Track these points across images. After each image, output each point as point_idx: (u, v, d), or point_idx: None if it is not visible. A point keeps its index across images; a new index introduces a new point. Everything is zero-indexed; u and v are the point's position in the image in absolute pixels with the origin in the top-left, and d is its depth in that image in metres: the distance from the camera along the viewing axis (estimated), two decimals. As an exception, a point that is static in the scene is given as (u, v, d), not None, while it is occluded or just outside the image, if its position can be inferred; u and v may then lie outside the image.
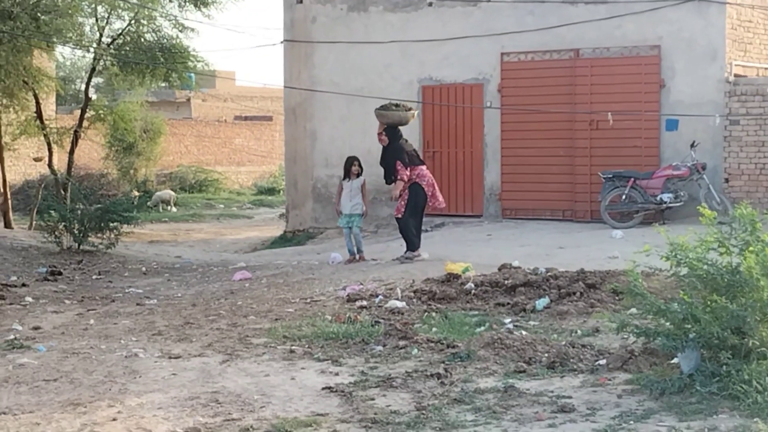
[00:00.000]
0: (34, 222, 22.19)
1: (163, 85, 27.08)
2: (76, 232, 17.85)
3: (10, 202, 22.89)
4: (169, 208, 34.15)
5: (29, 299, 13.01)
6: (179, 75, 23.64)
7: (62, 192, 21.60)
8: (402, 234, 15.02)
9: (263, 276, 14.53)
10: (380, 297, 11.57)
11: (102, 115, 24.86)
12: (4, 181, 22.60)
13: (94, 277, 15.58)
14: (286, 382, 8.16)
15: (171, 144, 41.87)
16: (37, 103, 23.13)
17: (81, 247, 17.94)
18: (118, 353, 9.47)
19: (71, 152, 23.51)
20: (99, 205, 18.52)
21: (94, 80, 27.06)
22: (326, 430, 6.75)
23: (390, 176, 14.78)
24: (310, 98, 21.28)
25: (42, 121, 23.26)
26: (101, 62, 23.40)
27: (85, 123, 24.02)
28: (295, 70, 22.20)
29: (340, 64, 21.04)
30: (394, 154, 14.72)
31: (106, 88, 30.91)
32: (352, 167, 15.26)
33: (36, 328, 10.92)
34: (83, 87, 27.31)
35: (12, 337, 10.30)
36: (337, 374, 8.39)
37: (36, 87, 22.54)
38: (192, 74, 25.90)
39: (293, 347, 9.42)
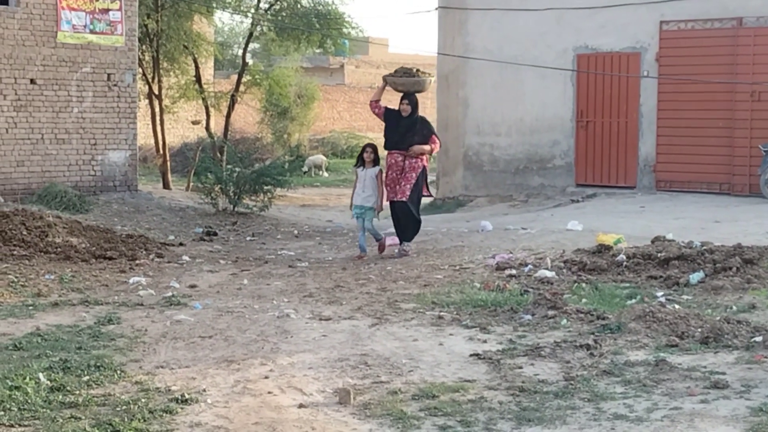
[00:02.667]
0: (191, 183, 22.84)
1: (318, 51, 27.41)
2: (232, 194, 18.28)
3: (168, 163, 23.59)
4: (320, 173, 34.61)
5: (186, 258, 13.40)
6: (334, 41, 23.93)
7: (218, 155, 22.16)
8: (401, 221, 13.31)
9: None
10: (529, 266, 11.48)
11: (258, 80, 25.35)
12: (164, 143, 23.30)
13: (247, 238, 15.93)
14: (434, 348, 8.19)
15: (324, 110, 42.37)
16: (197, 68, 23.76)
17: (236, 208, 18.36)
18: (270, 313, 9.68)
19: (228, 116, 24.07)
20: (254, 169, 18.90)
21: (251, 46, 27.58)
22: (473, 396, 6.74)
23: (410, 144, 13.12)
24: (463, 65, 21.18)
25: (200, 85, 23.89)
26: (258, 28, 23.85)
27: (242, 87, 24.54)
28: (448, 37, 22.14)
29: (494, 31, 20.85)
30: (428, 126, 13.51)
31: (262, 53, 31.43)
32: (364, 154, 13.64)
33: (192, 287, 11.25)
34: (240, 52, 27.88)
35: (170, 294, 10.63)
36: (485, 342, 8.37)
37: (195, 52, 23.15)
38: (346, 41, 26.15)
39: (442, 313, 9.45)
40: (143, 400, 6.58)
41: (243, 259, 13.56)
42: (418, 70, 13.55)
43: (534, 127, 20.70)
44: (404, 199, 13.09)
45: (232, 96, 24.01)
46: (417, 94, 13.46)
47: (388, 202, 13.54)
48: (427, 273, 11.78)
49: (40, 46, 16.98)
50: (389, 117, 13.45)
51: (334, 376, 7.36)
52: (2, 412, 6.22)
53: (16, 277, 11.25)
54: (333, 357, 7.92)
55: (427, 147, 13.27)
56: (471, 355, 7.87)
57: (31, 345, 8.14)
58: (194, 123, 32.37)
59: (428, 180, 13.83)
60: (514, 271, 11.31)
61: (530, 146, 20.85)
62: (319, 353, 8.05)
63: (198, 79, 23.96)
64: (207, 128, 24.28)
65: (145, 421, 6.13)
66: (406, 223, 13.27)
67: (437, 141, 13.54)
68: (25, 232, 13.42)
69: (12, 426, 6.00)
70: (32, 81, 16.90)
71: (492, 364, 7.61)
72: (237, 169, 18.74)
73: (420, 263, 12.52)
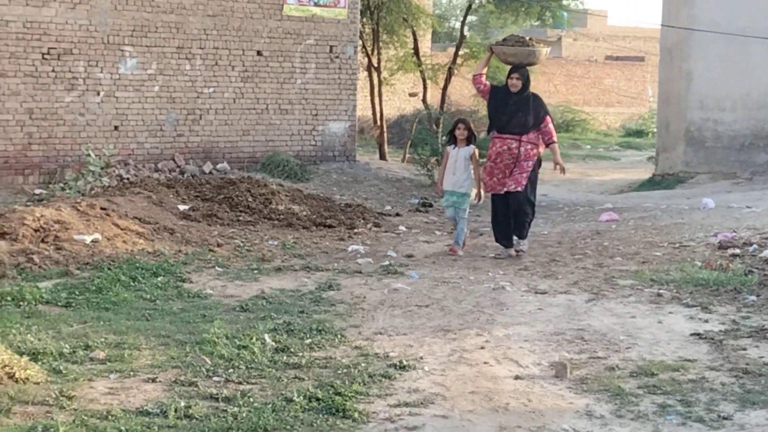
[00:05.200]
0: (407, 155, 23.11)
1: (536, 23, 27.13)
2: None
3: (385, 135, 23.95)
4: (536, 147, 34.29)
5: (402, 228, 13.61)
6: (553, 13, 23.64)
7: (434, 127, 22.30)
8: (516, 215, 11.44)
9: (630, 218, 14.32)
10: (754, 246, 11.06)
11: (475, 53, 25.30)
12: (381, 115, 23.65)
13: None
14: (653, 325, 8.02)
15: (540, 83, 41.87)
16: (415, 40, 23.96)
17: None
18: (486, 285, 9.71)
19: (444, 88, 24.18)
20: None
21: (469, 18, 27.58)
22: (694, 376, 6.58)
23: (524, 129, 11.33)
24: (687, 38, 20.52)
25: (418, 58, 24.09)
26: (477, 0, 23.80)
27: (459, 60, 24.57)
28: (673, 9, 21.51)
29: (722, 3, 20.09)
30: (542, 105, 11.59)
31: (480, 26, 31.37)
32: (456, 131, 11.77)
33: (409, 256, 11.41)
34: (458, 25, 27.94)
35: (387, 263, 10.82)
36: (706, 321, 8.14)
37: (414, 24, 23.33)
38: (565, 12, 25.75)
39: (660, 291, 9.25)
40: (363, 365, 6.75)
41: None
42: (530, 39, 11.75)
43: (762, 103, 19.89)
44: (520, 188, 11.30)
45: (449, 68, 24.09)
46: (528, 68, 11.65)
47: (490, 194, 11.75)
48: (645, 250, 11.54)
49: (267, 19, 17.53)
50: (495, 95, 11.59)
51: (550, 349, 7.33)
52: (231, 370, 6.51)
53: (242, 242, 11.72)
54: (549, 330, 7.89)
55: (559, 156, 11.66)
56: (691, 335, 7.68)
57: (257, 307, 8.48)
58: (411, 95, 32.70)
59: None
60: (737, 251, 10.93)
61: (757, 122, 20.06)
62: (534, 326, 8.03)
63: (416, 51, 24.17)
64: (424, 100, 24.47)
65: (365, 384, 6.29)
66: (521, 217, 11.47)
67: (551, 124, 11.54)
68: (250, 199, 13.96)
69: (240, 383, 6.27)
70: (259, 53, 17.48)
71: (714, 344, 7.40)
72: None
73: (638, 239, 12.27)
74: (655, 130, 30.72)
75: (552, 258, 11.28)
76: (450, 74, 24.18)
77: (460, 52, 24.65)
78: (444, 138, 12.54)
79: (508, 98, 11.38)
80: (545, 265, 10.82)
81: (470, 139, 11.66)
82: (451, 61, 24.81)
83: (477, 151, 11.70)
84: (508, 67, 11.61)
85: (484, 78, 11.71)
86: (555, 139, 11.56)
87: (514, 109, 11.31)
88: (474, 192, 11.75)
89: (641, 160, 30.32)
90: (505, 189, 11.34)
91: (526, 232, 11.63)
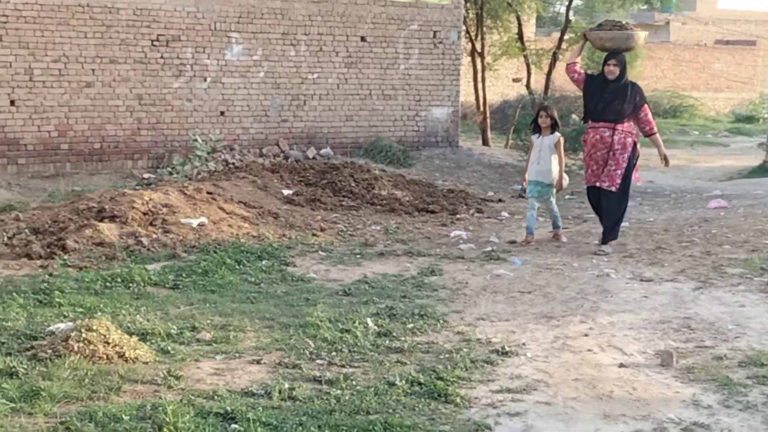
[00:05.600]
0: (510, 141, 22.96)
1: (643, 7, 26.69)
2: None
3: (488, 120, 23.82)
4: (641, 133, 33.75)
5: (505, 214, 13.54)
6: (661, -4, 23.19)
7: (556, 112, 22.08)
8: (606, 213, 10.95)
9: (740, 206, 14.00)
10: None
11: (580, 38, 24.97)
12: (484, 100, 23.52)
13: (566, 197, 15.84)
14: (763, 315, 7.83)
15: (647, 68, 41.25)
16: (519, 25, 23.75)
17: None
18: (589, 272, 9.60)
19: (548, 73, 23.93)
20: (574, 127, 18.74)
21: (575, 2, 27.23)
22: (806, 368, 6.42)
23: (619, 117, 10.74)
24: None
25: (522, 43, 23.88)
26: (583, -16, 23.49)
27: (564, 45, 24.27)
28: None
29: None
30: (640, 94, 10.95)
31: (585, 10, 30.92)
32: (538, 119, 11.37)
33: (511, 242, 11.35)
34: (563, 9, 27.60)
35: (490, 249, 10.78)
36: (819, 312, 7.94)
37: (519, 9, 23.13)
38: (673, -4, 25.27)
39: (771, 280, 9.03)
40: (465, 350, 6.74)
41: (562, 217, 13.50)
42: (627, 23, 11.09)
43: None
44: (613, 188, 10.78)
45: (554, 53, 23.82)
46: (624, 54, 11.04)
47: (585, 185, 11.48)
48: (755, 238, 11.26)
49: (371, 5, 17.57)
50: (591, 83, 11.06)
51: (656, 338, 7.22)
52: (334, 353, 6.57)
53: (345, 227, 11.80)
54: (654, 319, 7.77)
55: (663, 148, 11.15)
56: (803, 325, 7.49)
57: (359, 291, 8.52)
58: (515, 80, 32.42)
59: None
60: None
61: None
62: (640, 314, 7.92)
63: (520, 36, 23.96)
64: (527, 86, 24.26)
65: (467, 370, 6.28)
66: (611, 216, 10.91)
67: (650, 113, 10.97)
68: (353, 184, 14.04)
69: (343, 366, 6.32)
70: (363, 38, 17.54)
71: (826, 335, 7.20)
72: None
73: (747, 227, 11.99)
74: (766, 115, 29.95)
75: (658, 245, 11.09)
76: (554, 59, 23.90)
77: (565, 37, 24.33)
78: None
79: (604, 86, 10.84)
80: (651, 253, 10.65)
81: (554, 127, 11.28)
82: (555, 46, 24.51)
83: (562, 140, 11.35)
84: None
85: (578, 66, 11.32)
86: (655, 129, 11.03)
87: (610, 98, 10.77)
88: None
89: (751, 146, 29.57)
90: (599, 184, 10.89)
91: (615, 234, 11.01)
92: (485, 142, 23.09)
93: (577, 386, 6.05)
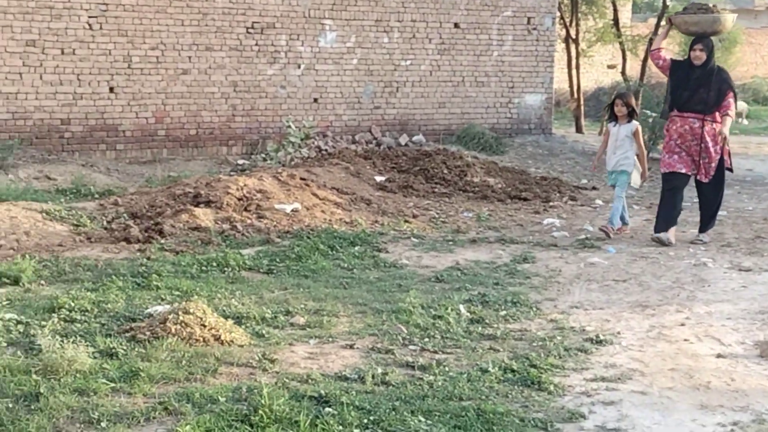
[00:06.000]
0: (604, 128, 22.66)
1: (743, -9, 26.06)
2: (647, 139, 17.90)
3: (582, 108, 23.57)
4: (740, 120, 33.06)
5: (599, 202, 13.39)
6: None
7: (633, 99, 21.79)
8: (710, 201, 10.63)
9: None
10: None
11: (665, 22, 24.54)
12: (578, 87, 23.29)
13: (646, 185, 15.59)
14: None
15: (746, 54, 40.35)
16: (615, 11, 23.46)
17: (650, 154, 17.98)
18: (686, 261, 9.46)
19: (644, 60, 23.55)
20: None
21: (672, -13, 26.76)
22: None
23: (707, 107, 10.31)
24: None
25: (618, 29, 23.57)
26: (680, -32, 23.07)
27: (660, 31, 23.88)
28: None
29: None
30: (727, 79, 10.50)
31: (682, -5, 30.42)
32: (614, 107, 11.01)
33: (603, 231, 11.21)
34: (660, -5, 27.15)
35: (583, 236, 10.68)
36: None
37: (614, -6, 22.83)
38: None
39: None
40: (558, 338, 6.70)
41: (656, 204, 13.30)
42: (713, 6, 10.59)
43: None
44: (705, 180, 10.49)
45: (650, 39, 23.43)
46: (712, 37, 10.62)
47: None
48: None
49: (464, -9, 17.51)
50: (676, 70, 10.64)
51: (755, 328, 7.09)
52: (427, 339, 6.58)
53: (437, 214, 11.79)
54: (753, 309, 7.62)
55: (725, 120, 10.40)
56: None
57: (452, 278, 8.52)
58: (610, 67, 32.05)
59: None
60: None
61: None
62: (738, 304, 7.77)
63: (616, 22, 23.64)
64: (623, 72, 23.94)
65: (560, 357, 6.24)
66: (708, 206, 10.66)
67: (732, 98, 10.41)
68: (445, 171, 14.02)
69: (435, 352, 6.33)
70: (456, 25, 17.47)
71: None
72: (653, 115, 18.34)
73: None
74: None
75: (757, 234, 10.88)
76: (651, 45, 23.55)
77: (662, 23, 23.95)
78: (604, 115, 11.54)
79: (691, 73, 10.42)
80: (750, 242, 10.45)
81: (631, 116, 10.92)
82: (652, 32, 24.11)
83: (640, 128, 11.02)
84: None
85: (663, 53, 10.94)
86: (731, 113, 10.43)
87: (695, 85, 10.35)
88: (636, 172, 11.04)
89: None
90: (690, 173, 10.48)
91: (713, 224, 10.76)
92: (579, 130, 22.86)
93: (673, 376, 5.97)
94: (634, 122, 10.90)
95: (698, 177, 10.52)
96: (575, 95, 23.33)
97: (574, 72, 23.19)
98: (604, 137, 11.20)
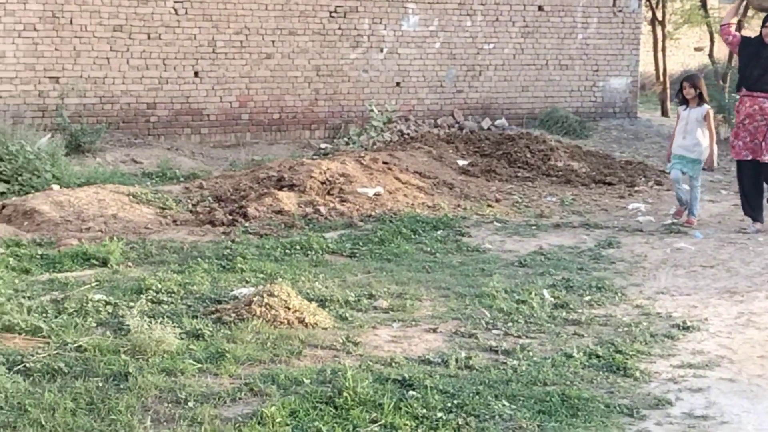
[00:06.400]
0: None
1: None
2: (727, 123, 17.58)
3: (668, 91, 23.20)
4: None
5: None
6: None
7: (721, 82, 21.39)
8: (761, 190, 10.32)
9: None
10: None
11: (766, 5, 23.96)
12: (665, 70, 22.91)
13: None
14: None
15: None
16: (702, -8, 23.01)
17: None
18: (776, 247, 9.28)
19: (733, 42, 23.09)
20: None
21: (762, -32, 26.15)
22: None
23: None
24: None
25: (705, 10, 23.12)
26: (771, -52, 22.52)
27: (749, 12, 23.37)
28: None
29: None
30: None
31: (773, -25, 29.71)
32: (683, 90, 10.46)
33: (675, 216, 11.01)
34: (749, -25, 26.56)
35: (669, 222, 10.52)
36: None
37: (701, -24, 22.40)
38: None
39: None
40: (644, 324, 6.62)
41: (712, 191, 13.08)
42: None
43: None
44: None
45: (739, 21, 22.97)
46: None
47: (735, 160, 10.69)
48: None
49: (548, -26, 17.34)
50: (746, 47, 10.31)
51: None
52: (510, 324, 6.55)
53: (520, 198, 11.72)
54: None
55: None
56: None
57: (535, 263, 8.46)
58: (697, 49, 31.49)
59: None
60: None
61: None
62: (831, 292, 7.60)
63: (703, 3, 23.20)
64: (710, 55, 23.49)
65: (646, 344, 6.17)
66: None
67: None
68: (528, 155, 13.92)
69: (519, 337, 6.30)
70: (540, 8, 17.31)
71: None
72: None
73: None
74: None
75: None
76: (739, 27, 23.02)
77: None
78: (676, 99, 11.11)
79: (762, 50, 10.05)
80: (842, 228, 10.20)
81: (702, 99, 10.42)
82: (741, 13, 23.66)
83: (712, 112, 10.57)
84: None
85: (733, 29, 10.61)
86: None
87: (766, 63, 10.02)
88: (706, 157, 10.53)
89: None
90: (757, 158, 10.12)
91: (757, 211, 10.29)
92: (664, 113, 22.50)
93: (762, 363, 5.87)
94: (705, 105, 10.47)
95: (765, 160, 10.10)
96: (661, 78, 22.97)
97: (660, 55, 22.81)
98: (676, 122, 10.87)
